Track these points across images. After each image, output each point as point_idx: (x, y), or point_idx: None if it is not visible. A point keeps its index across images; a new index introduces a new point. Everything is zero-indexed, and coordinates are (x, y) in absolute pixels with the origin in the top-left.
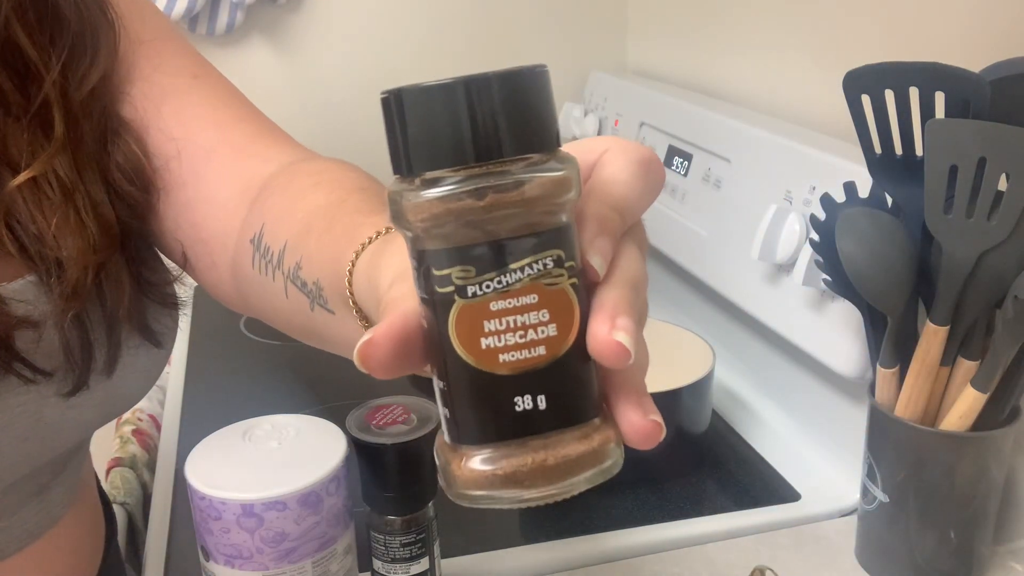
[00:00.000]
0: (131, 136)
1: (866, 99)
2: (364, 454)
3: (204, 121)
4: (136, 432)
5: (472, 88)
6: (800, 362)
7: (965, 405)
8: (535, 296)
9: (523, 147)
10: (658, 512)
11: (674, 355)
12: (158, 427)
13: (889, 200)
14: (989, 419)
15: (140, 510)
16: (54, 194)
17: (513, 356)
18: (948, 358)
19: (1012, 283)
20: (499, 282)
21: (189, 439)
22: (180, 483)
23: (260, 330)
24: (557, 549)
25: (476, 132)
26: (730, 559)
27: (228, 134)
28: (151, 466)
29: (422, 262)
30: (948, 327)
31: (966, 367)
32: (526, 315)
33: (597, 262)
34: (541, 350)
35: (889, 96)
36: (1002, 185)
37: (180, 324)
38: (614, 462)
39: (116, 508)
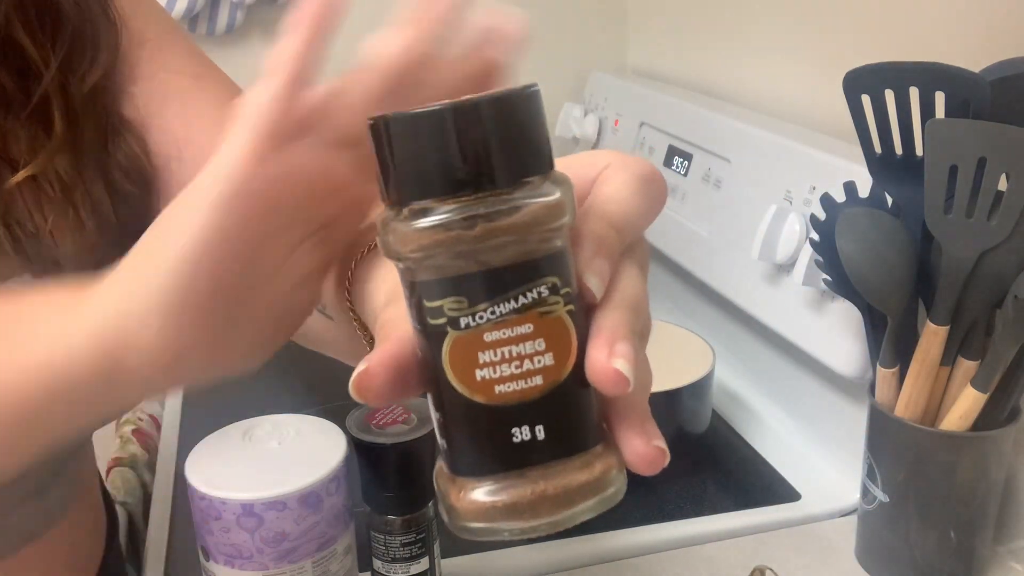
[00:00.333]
0: (132, 135)
1: (866, 99)
2: (364, 454)
3: (206, 121)
4: (136, 432)
5: (460, 114)
6: (800, 362)
7: (965, 405)
8: (530, 325)
9: (515, 172)
10: (658, 512)
11: (674, 355)
12: (158, 427)
13: (889, 200)
14: (989, 419)
15: (140, 510)
16: (54, 192)
17: (509, 387)
18: (948, 358)
19: (1012, 283)
20: (492, 312)
21: (189, 439)
22: (180, 483)
23: None
24: (557, 549)
25: (465, 159)
26: (730, 559)
27: None
28: (151, 466)
29: (413, 293)
30: (948, 327)
31: (966, 367)
32: (521, 345)
33: (594, 284)
34: (538, 380)
35: (889, 96)
36: (1002, 185)
37: None
38: (616, 490)
39: (116, 508)
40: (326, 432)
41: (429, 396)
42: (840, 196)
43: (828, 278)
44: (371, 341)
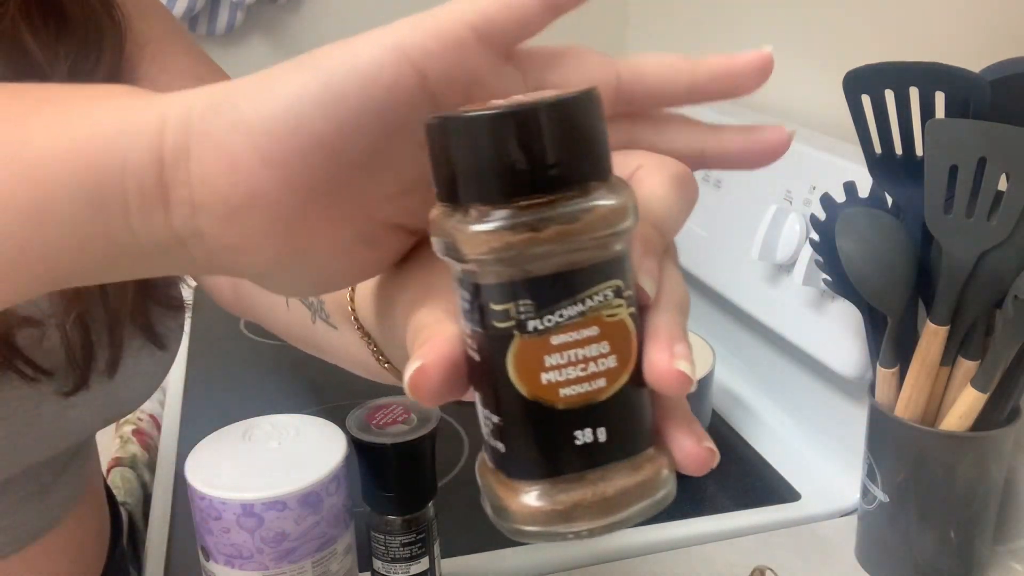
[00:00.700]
0: None
1: (866, 99)
2: (364, 454)
3: None
4: (136, 432)
5: (531, 115)
6: (800, 362)
7: (965, 405)
8: (596, 328)
9: (585, 175)
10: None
11: None
12: (158, 427)
13: (889, 200)
14: (989, 419)
15: (140, 510)
16: None
17: (574, 390)
18: (948, 358)
19: (1012, 283)
20: (561, 316)
21: (189, 439)
22: (180, 483)
23: (260, 330)
24: (557, 549)
25: (540, 161)
26: (730, 559)
27: None
28: (151, 466)
29: (477, 296)
30: (948, 327)
31: (966, 367)
32: (587, 348)
33: (648, 284)
34: (601, 382)
35: (889, 96)
36: (1002, 185)
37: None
38: (668, 491)
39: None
40: (326, 432)
41: (480, 398)
42: (840, 196)
43: (828, 278)
44: (377, 350)
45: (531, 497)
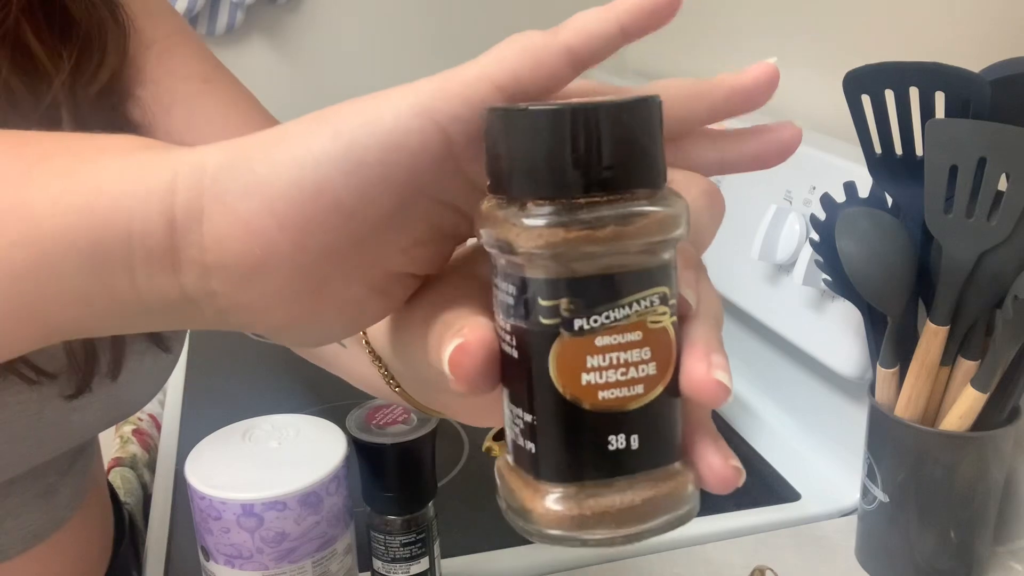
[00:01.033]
0: None
1: (866, 99)
2: (364, 454)
3: (214, 127)
4: (136, 432)
5: (595, 114)
6: (800, 362)
7: (965, 405)
8: (639, 333)
9: (639, 180)
10: None
11: None
12: (158, 427)
13: (889, 200)
14: (989, 419)
15: (140, 510)
16: None
17: (613, 394)
18: (948, 358)
19: (1012, 283)
20: (607, 317)
21: (189, 439)
22: (180, 483)
23: None
24: (557, 550)
25: (604, 160)
26: (730, 559)
27: None
28: (151, 466)
29: (524, 291)
30: (948, 327)
31: (966, 367)
32: (629, 352)
33: (690, 295)
34: (639, 388)
35: (889, 96)
36: (1002, 185)
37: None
38: (692, 507)
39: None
40: (326, 432)
41: (511, 395)
42: (840, 196)
43: (828, 278)
44: (388, 374)
45: (557, 500)
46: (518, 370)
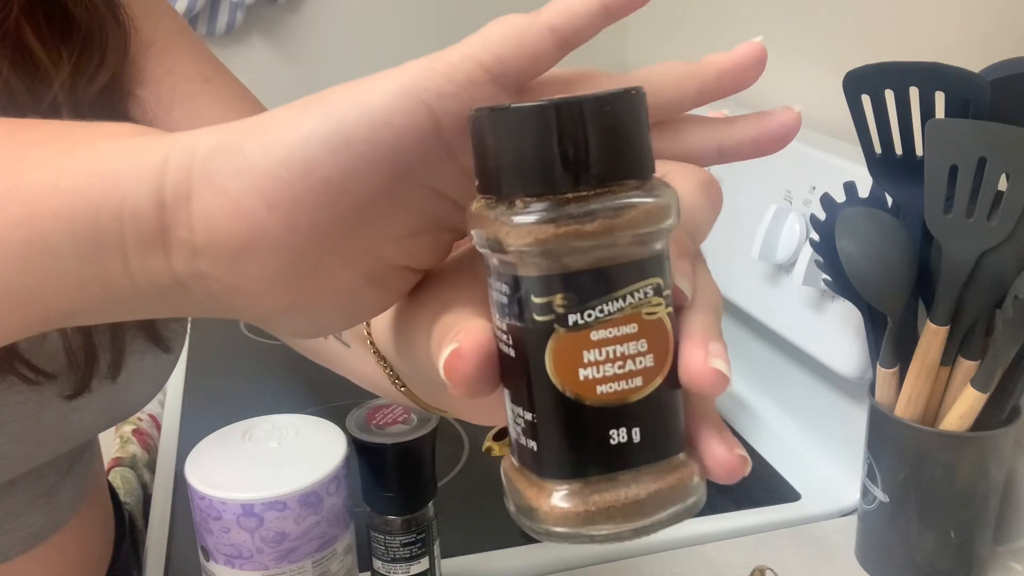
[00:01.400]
0: None
1: (866, 99)
2: (364, 454)
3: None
4: (136, 432)
5: (578, 108)
6: (800, 362)
7: (965, 405)
8: (635, 326)
9: (626, 172)
10: None
11: None
12: (158, 427)
13: (889, 200)
14: (989, 419)
15: (140, 510)
16: None
17: (611, 387)
18: (948, 358)
19: (1012, 283)
20: (601, 311)
21: (189, 439)
22: (180, 483)
23: (260, 330)
24: (557, 549)
25: (589, 154)
26: (730, 559)
27: None
28: (151, 466)
29: (517, 289)
30: (948, 327)
31: (966, 367)
32: (625, 345)
33: (685, 285)
34: (638, 381)
35: (889, 96)
36: (1002, 185)
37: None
38: (699, 498)
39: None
40: (326, 432)
41: (512, 395)
42: (840, 196)
43: (828, 278)
44: (393, 374)
45: (562, 497)
46: (516, 369)
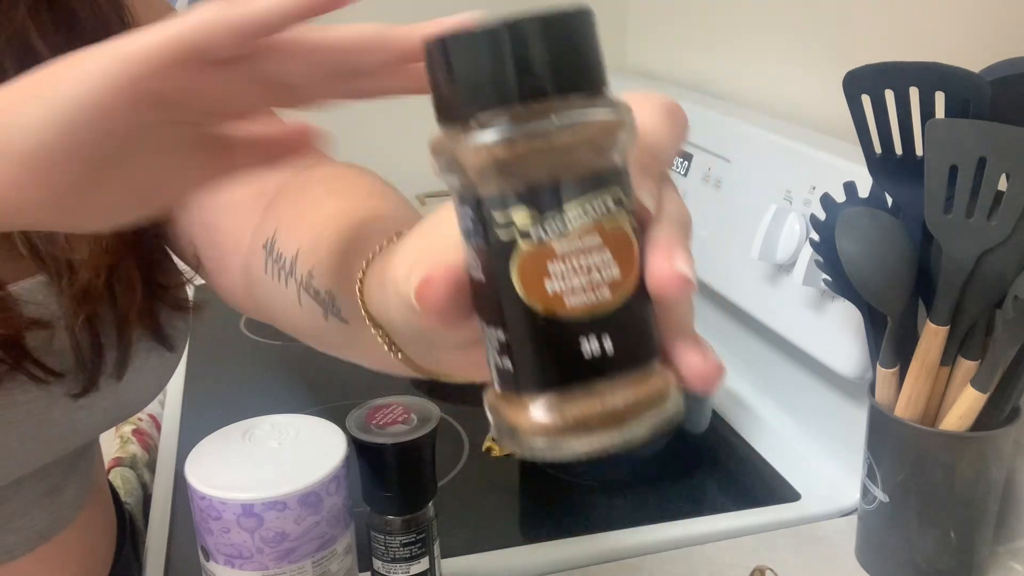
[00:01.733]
0: None
1: (866, 99)
2: (364, 454)
3: None
4: (136, 432)
5: (528, 27)
6: (800, 362)
7: (965, 405)
8: (598, 237)
9: (584, 86)
10: (658, 512)
11: None
12: (158, 427)
13: (889, 200)
14: (989, 419)
15: (140, 510)
16: None
17: (579, 299)
18: (948, 358)
19: (1012, 283)
20: (563, 224)
21: (189, 439)
22: (180, 483)
23: (260, 330)
24: (557, 549)
25: (539, 71)
26: (730, 559)
27: None
28: (151, 466)
29: (479, 210)
30: (948, 327)
31: (966, 367)
32: (589, 257)
33: (648, 201)
34: (605, 291)
35: (889, 96)
36: (1002, 185)
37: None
38: (676, 406)
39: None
40: (326, 432)
41: (485, 319)
42: (840, 196)
43: (828, 278)
44: (389, 340)
45: (539, 410)
46: (487, 291)
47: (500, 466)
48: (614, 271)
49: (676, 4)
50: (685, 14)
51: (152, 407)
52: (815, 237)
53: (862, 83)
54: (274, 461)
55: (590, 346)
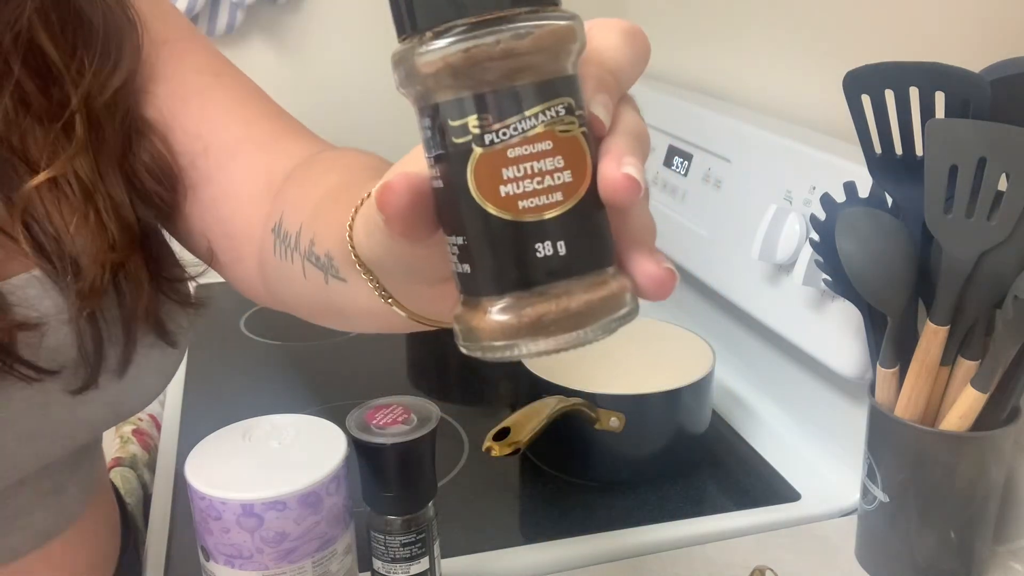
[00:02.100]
0: (156, 136)
1: (866, 99)
2: (364, 454)
3: (230, 117)
4: (136, 432)
5: None
6: (800, 362)
7: (965, 405)
8: (550, 143)
9: None
10: (658, 512)
11: (674, 355)
12: (158, 427)
13: (889, 200)
14: (989, 419)
15: (140, 510)
16: (74, 195)
17: (532, 202)
18: (948, 358)
19: (1012, 283)
20: (515, 129)
21: (189, 439)
22: (180, 483)
23: (260, 330)
24: (557, 549)
25: None
26: (730, 559)
27: (253, 131)
28: (151, 466)
29: (436, 117)
30: (948, 327)
31: (966, 367)
32: (542, 161)
33: (601, 112)
34: (558, 196)
35: (889, 96)
36: (1002, 185)
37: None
38: (630, 309)
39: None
40: (326, 432)
41: (447, 227)
42: (840, 196)
43: (828, 278)
44: (379, 285)
45: (497, 311)
46: (446, 199)
47: (500, 466)
48: (566, 176)
49: (676, 4)
50: (685, 14)
51: (152, 407)
52: (815, 237)
53: (862, 83)
54: (274, 461)
55: (544, 249)
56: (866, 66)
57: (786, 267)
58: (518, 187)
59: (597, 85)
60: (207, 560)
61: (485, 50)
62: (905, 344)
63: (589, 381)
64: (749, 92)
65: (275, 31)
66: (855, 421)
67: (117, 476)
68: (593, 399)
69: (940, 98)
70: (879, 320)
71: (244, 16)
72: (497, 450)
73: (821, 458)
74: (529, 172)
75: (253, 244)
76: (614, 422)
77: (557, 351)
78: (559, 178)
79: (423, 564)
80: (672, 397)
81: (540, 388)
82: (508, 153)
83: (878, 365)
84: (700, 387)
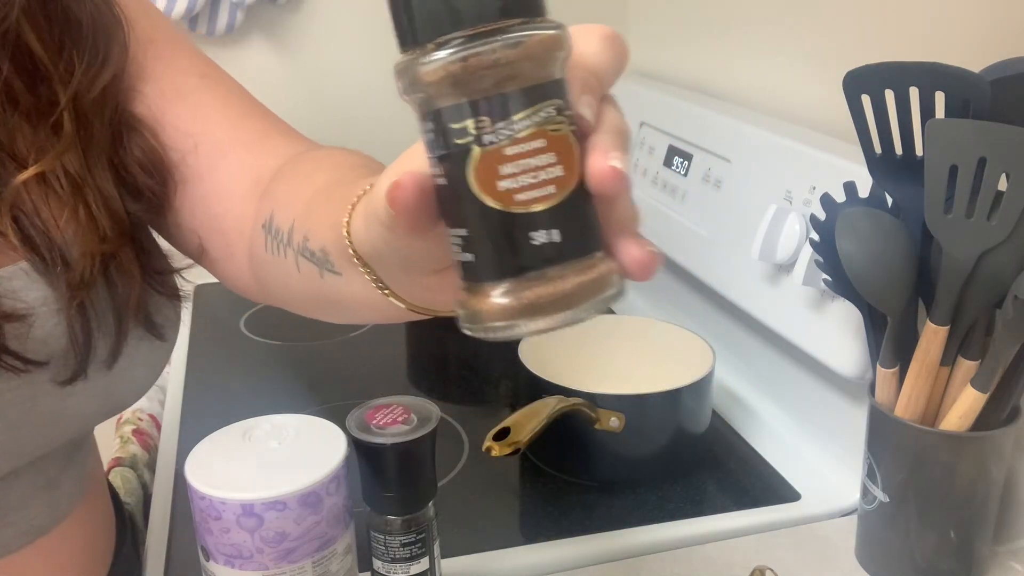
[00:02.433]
0: (146, 131)
1: (866, 99)
2: (364, 454)
3: (219, 117)
4: (136, 432)
5: None
6: (800, 362)
7: (965, 405)
8: (543, 141)
9: (520, 9)
10: (658, 512)
11: (674, 355)
12: (158, 427)
13: (889, 200)
14: (989, 419)
15: (140, 510)
16: (63, 190)
17: (528, 195)
18: (948, 358)
19: (1012, 283)
20: (511, 129)
21: (189, 439)
22: (180, 483)
23: (260, 330)
24: (557, 549)
25: (483, 1)
26: (730, 559)
27: (240, 131)
28: (151, 466)
29: (438, 121)
30: (948, 327)
31: (966, 367)
32: (536, 158)
33: (587, 112)
34: (551, 189)
35: (889, 96)
36: (1002, 185)
37: (182, 318)
38: (618, 290)
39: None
40: (326, 432)
41: (449, 221)
42: (840, 196)
43: (828, 278)
44: (376, 278)
45: (499, 295)
46: (449, 194)
47: (500, 466)
48: (558, 171)
49: (676, 4)
50: (685, 14)
51: (152, 407)
52: (815, 237)
53: (862, 83)
54: (274, 461)
55: (540, 237)
56: (866, 66)
57: (786, 267)
58: (515, 182)
59: (582, 87)
60: (207, 560)
61: (482, 60)
62: (905, 344)
63: (589, 381)
64: (749, 92)
65: (275, 31)
66: (855, 421)
67: (117, 476)
68: (593, 399)
69: (940, 98)
70: (879, 320)
71: (244, 16)
72: (497, 450)
73: (821, 458)
74: (525, 168)
75: (244, 240)
76: (614, 422)
77: (553, 329)
78: (552, 173)
79: (423, 564)
80: (672, 397)
81: (540, 388)
82: (505, 151)
83: (878, 365)
84: (700, 387)
